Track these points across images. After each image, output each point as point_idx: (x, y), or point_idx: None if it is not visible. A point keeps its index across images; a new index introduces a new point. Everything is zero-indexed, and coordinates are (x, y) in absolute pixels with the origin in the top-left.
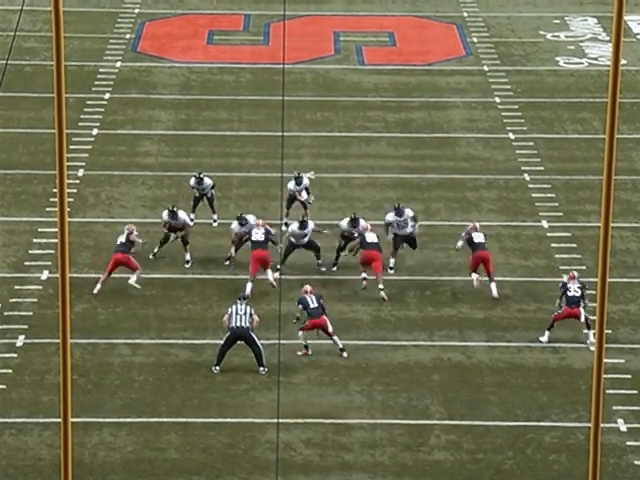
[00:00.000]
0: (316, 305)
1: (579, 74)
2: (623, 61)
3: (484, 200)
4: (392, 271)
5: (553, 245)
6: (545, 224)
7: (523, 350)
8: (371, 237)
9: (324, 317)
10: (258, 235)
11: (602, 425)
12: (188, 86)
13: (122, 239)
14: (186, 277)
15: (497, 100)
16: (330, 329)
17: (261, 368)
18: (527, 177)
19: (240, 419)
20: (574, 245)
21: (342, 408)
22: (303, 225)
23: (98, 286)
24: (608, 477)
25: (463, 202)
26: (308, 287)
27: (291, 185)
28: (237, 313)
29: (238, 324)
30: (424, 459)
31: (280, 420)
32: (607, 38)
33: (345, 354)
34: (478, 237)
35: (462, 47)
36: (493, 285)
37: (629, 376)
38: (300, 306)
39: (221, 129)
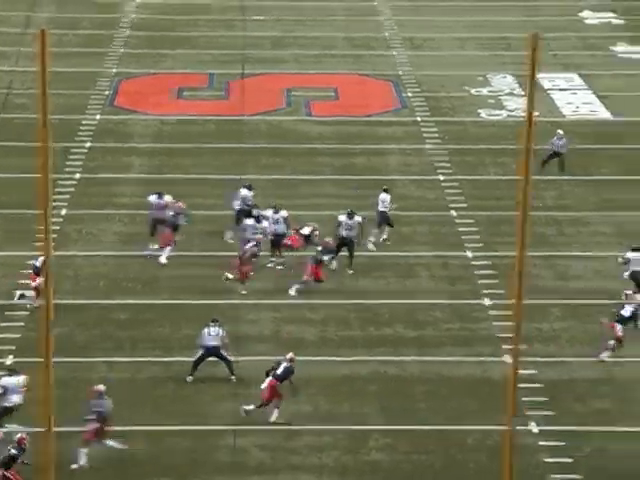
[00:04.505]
0: None
1: (499, 124)
2: (536, 112)
3: (417, 234)
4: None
5: (476, 272)
6: (469, 254)
7: (450, 363)
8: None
9: None
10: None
11: (517, 428)
12: (160, 136)
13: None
14: (155, 302)
15: (428, 147)
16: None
17: (232, 377)
18: (454, 213)
19: (203, 427)
20: (494, 272)
21: (292, 416)
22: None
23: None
24: (522, 473)
25: (399, 235)
26: None
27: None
28: (210, 334)
29: (210, 343)
30: (364, 460)
31: (237, 427)
32: (522, 93)
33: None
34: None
35: (398, 101)
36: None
37: (542, 385)
38: None
39: (188, 173)
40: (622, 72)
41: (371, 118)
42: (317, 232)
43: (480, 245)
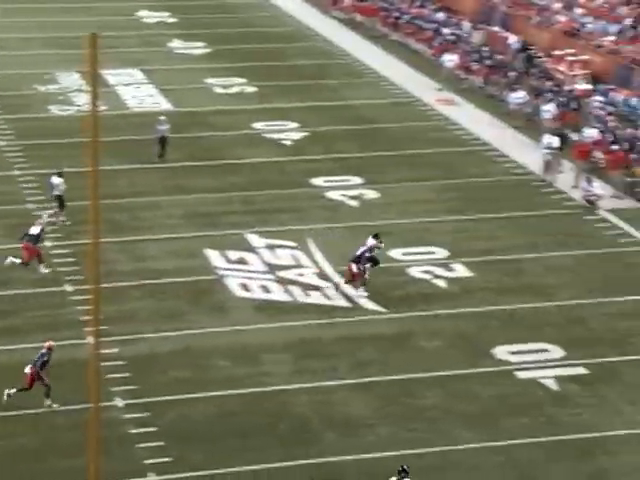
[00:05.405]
0: None
1: (70, 119)
2: (104, 107)
3: None
4: None
5: (57, 260)
6: (49, 244)
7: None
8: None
9: None
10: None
11: (103, 404)
12: None
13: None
14: None
15: (2, 143)
16: None
17: None
18: (30, 206)
19: None
20: (74, 259)
21: None
22: None
23: None
24: (110, 446)
25: None
26: None
27: None
28: None
29: None
30: None
31: None
32: (88, 89)
33: None
34: (34, 230)
35: None
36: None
37: (125, 362)
38: None
39: None
40: (178, 67)
41: None
42: None
43: (59, 235)
